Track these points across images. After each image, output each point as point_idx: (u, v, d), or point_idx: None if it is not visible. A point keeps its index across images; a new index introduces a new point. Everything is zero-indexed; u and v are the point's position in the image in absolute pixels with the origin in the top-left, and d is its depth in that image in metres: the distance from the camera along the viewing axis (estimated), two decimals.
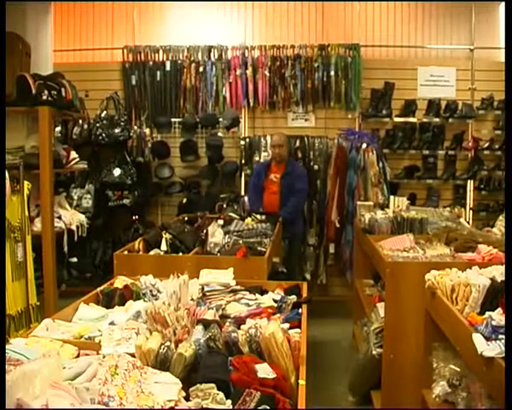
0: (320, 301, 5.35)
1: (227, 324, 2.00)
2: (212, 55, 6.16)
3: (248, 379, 1.61)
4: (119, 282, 2.81)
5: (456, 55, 6.19)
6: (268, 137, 5.98)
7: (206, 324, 1.94)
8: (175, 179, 6.21)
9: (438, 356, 2.47)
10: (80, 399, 1.33)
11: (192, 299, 2.41)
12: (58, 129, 5.60)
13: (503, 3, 5.88)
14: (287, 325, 2.01)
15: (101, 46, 6.35)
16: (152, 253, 3.61)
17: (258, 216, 4.36)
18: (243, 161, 5.99)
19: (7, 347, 1.71)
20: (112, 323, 2.23)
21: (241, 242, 3.52)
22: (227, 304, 2.40)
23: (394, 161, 6.03)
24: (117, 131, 5.76)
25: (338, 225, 5.58)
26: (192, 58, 6.15)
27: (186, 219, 4.68)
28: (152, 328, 1.97)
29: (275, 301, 2.49)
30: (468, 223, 5.06)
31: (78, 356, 1.88)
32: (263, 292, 2.68)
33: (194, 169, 6.20)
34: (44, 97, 4.20)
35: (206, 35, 6.19)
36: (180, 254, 3.60)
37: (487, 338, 1.83)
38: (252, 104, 6.09)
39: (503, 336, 1.78)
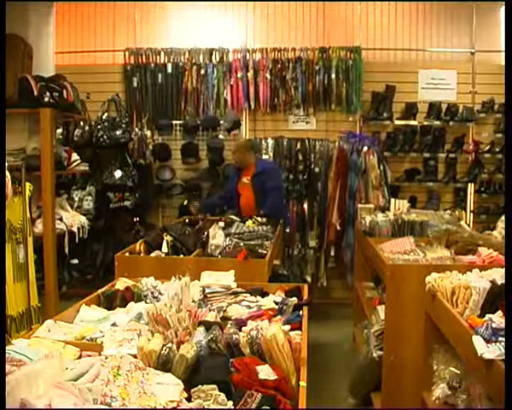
0: (321, 303, 5.37)
1: (228, 325, 2.00)
2: (213, 57, 6.18)
3: (249, 381, 1.62)
4: (121, 284, 2.81)
5: (457, 58, 6.20)
6: (269, 140, 6.02)
7: (208, 325, 1.95)
8: (176, 181, 6.22)
9: (438, 358, 2.47)
10: (83, 399, 1.34)
11: (193, 301, 2.42)
12: (59, 131, 5.61)
13: (503, 7, 5.89)
14: (288, 327, 2.02)
15: (103, 48, 6.37)
16: (153, 255, 3.61)
17: (259, 219, 4.36)
18: None
19: (9, 347, 1.72)
20: (114, 324, 2.23)
21: (241, 244, 3.52)
22: (228, 306, 2.41)
23: (395, 164, 6.03)
24: (118, 133, 5.77)
25: (339, 228, 5.58)
26: (193, 60, 6.16)
27: (187, 221, 4.67)
28: (154, 329, 1.97)
29: (276, 303, 2.50)
30: (469, 226, 5.07)
31: (80, 357, 1.89)
32: (264, 294, 2.69)
33: (195, 171, 6.21)
34: (46, 99, 4.22)
35: (208, 37, 6.21)
36: (181, 256, 3.60)
37: (487, 341, 1.83)
38: (253, 107, 6.09)
39: (504, 339, 1.78)
